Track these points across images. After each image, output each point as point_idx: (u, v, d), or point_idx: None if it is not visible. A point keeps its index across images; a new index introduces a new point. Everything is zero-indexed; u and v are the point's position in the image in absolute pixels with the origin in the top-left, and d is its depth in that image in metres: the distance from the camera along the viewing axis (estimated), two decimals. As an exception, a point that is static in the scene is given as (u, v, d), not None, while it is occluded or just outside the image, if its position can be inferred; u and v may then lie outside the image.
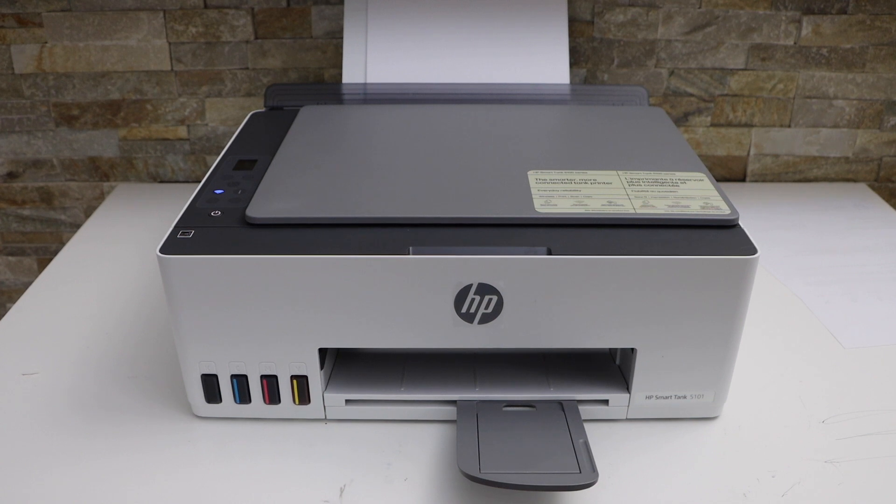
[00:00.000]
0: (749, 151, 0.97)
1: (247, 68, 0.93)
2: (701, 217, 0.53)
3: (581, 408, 0.56)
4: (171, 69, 0.92)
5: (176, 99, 0.94)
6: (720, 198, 0.55)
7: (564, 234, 0.52)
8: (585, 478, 0.48)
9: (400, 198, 0.55)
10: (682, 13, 0.89)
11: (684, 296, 0.51)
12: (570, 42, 0.88)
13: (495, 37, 0.82)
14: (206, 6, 0.89)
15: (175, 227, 0.53)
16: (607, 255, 0.50)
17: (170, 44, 0.91)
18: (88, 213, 1.01)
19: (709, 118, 0.95)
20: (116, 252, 0.82)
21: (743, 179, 0.99)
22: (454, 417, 0.56)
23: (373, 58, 0.82)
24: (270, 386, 0.55)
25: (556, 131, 0.69)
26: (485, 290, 0.51)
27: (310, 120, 0.70)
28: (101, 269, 0.78)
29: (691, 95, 0.94)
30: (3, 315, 0.71)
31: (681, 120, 0.95)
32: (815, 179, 0.99)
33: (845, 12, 0.89)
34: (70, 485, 0.52)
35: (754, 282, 0.51)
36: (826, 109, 0.95)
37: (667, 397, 0.56)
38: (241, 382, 0.55)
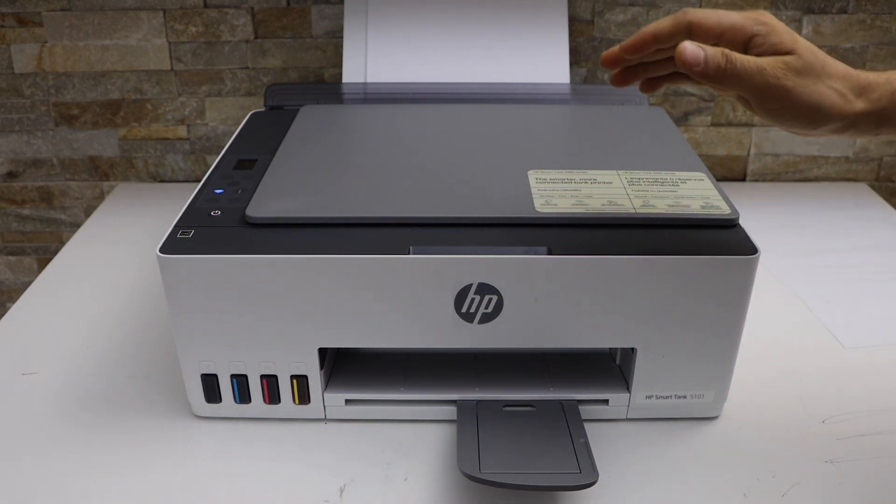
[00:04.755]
0: (749, 151, 0.97)
1: (247, 68, 0.92)
2: (701, 217, 0.53)
3: (581, 408, 0.56)
4: (171, 69, 0.92)
5: (176, 98, 0.94)
6: (720, 197, 0.55)
7: (564, 233, 0.52)
8: (585, 478, 0.48)
9: (400, 197, 0.55)
10: (682, 13, 0.89)
11: (684, 295, 0.51)
12: (570, 42, 0.88)
13: (495, 37, 0.82)
14: (206, 6, 0.89)
15: (175, 226, 0.53)
16: (607, 255, 0.50)
17: (170, 43, 0.91)
18: (88, 212, 1.01)
19: (709, 118, 0.95)
20: (116, 252, 0.81)
21: (743, 179, 0.99)
22: (454, 417, 0.56)
23: (373, 57, 0.82)
24: (270, 386, 0.55)
25: (556, 131, 0.69)
26: (485, 289, 0.51)
27: (310, 120, 0.70)
28: (101, 269, 0.78)
29: (691, 95, 0.94)
30: (3, 315, 0.71)
31: (681, 119, 0.95)
32: (816, 179, 0.99)
33: (846, 12, 0.89)
34: (69, 484, 0.52)
35: (754, 282, 0.51)
36: (826, 109, 0.94)
37: (667, 397, 0.56)
38: (241, 382, 0.55)
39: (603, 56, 0.47)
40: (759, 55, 0.44)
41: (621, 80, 0.50)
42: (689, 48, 0.43)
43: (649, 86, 0.51)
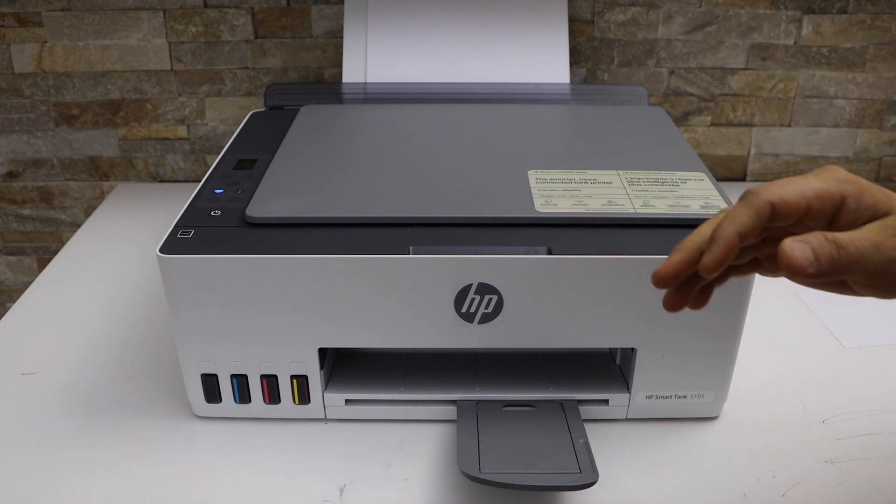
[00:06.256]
0: (749, 151, 0.97)
1: (247, 68, 0.92)
2: (701, 217, 0.53)
3: (581, 408, 0.56)
4: (171, 69, 0.92)
5: (176, 98, 0.94)
6: (720, 197, 0.55)
7: (564, 233, 0.52)
8: (585, 478, 0.48)
9: (400, 198, 0.55)
10: (682, 13, 0.89)
11: (684, 296, 0.51)
12: (570, 42, 0.88)
13: (495, 37, 0.82)
14: (206, 5, 0.89)
15: (175, 226, 0.53)
16: (607, 255, 0.50)
17: (170, 43, 0.91)
18: (88, 212, 1.01)
19: (709, 118, 0.95)
20: (116, 252, 0.81)
21: (743, 179, 0.99)
22: (454, 417, 0.56)
23: (373, 57, 0.82)
24: (270, 386, 0.55)
25: (556, 131, 0.69)
26: (485, 289, 0.51)
27: (310, 119, 0.70)
28: (101, 269, 0.78)
29: (692, 95, 0.94)
30: (3, 315, 0.71)
31: (681, 119, 0.95)
32: (816, 179, 0.99)
33: (846, 12, 0.89)
34: (70, 484, 0.52)
35: (754, 282, 0.51)
36: (826, 109, 0.95)
37: (667, 397, 0.56)
38: (241, 382, 0.55)
39: (663, 272, 0.38)
40: (853, 222, 0.36)
41: (679, 302, 0.39)
42: (797, 249, 0.34)
43: (702, 300, 0.40)
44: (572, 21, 0.89)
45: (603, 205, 0.54)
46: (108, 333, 0.68)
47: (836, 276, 0.35)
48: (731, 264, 0.39)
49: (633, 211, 0.53)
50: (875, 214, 0.36)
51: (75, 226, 1.02)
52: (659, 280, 0.38)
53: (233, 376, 0.55)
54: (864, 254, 0.35)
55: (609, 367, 0.59)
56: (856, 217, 0.36)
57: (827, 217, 0.37)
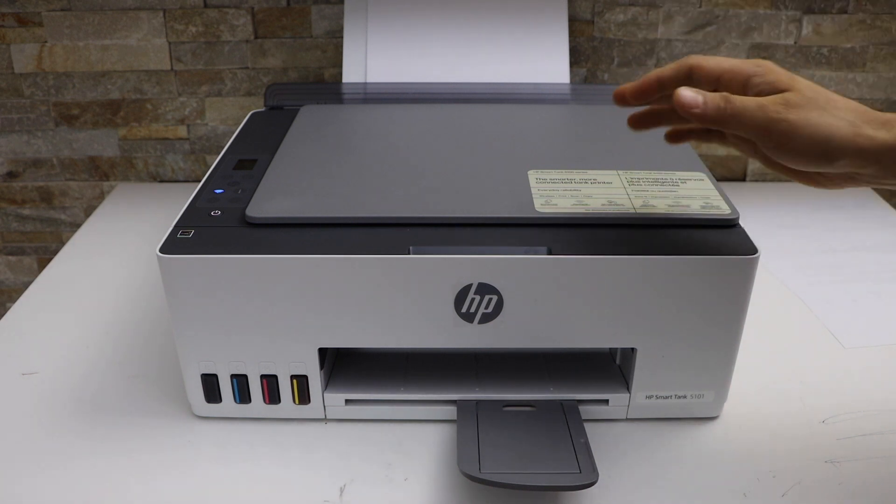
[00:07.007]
0: (749, 151, 0.97)
1: (247, 68, 0.92)
2: (701, 217, 0.53)
3: (581, 408, 0.56)
4: (171, 68, 0.92)
5: (176, 98, 0.94)
6: (720, 197, 0.55)
7: (564, 233, 0.52)
8: (585, 478, 0.48)
9: (400, 197, 0.55)
10: (682, 13, 0.89)
11: (684, 295, 0.51)
12: (570, 41, 0.88)
13: (495, 37, 0.82)
14: (206, 5, 0.89)
15: (175, 226, 0.53)
16: (607, 255, 0.50)
17: (170, 43, 0.91)
18: (88, 212, 1.01)
19: (709, 118, 0.95)
20: (116, 252, 0.81)
21: (743, 179, 0.99)
22: (454, 417, 0.56)
23: (373, 57, 0.82)
24: (270, 386, 0.55)
25: (556, 131, 0.69)
26: (485, 289, 0.51)
27: (310, 119, 0.70)
28: (101, 269, 0.78)
29: (691, 95, 0.94)
30: (3, 315, 0.71)
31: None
32: (816, 179, 0.99)
33: (846, 12, 0.89)
34: (70, 484, 0.52)
35: (754, 282, 0.51)
36: (826, 109, 0.94)
37: (667, 397, 0.56)
38: (241, 382, 0.55)
39: (615, 92, 0.49)
40: (757, 95, 0.44)
41: (636, 123, 0.52)
42: (685, 92, 0.44)
43: (675, 138, 0.52)
44: (572, 21, 0.89)
45: (603, 205, 0.54)
46: (108, 333, 0.68)
47: (723, 122, 0.43)
48: (691, 128, 0.51)
49: (633, 211, 0.53)
50: (775, 90, 0.44)
51: (75, 226, 1.02)
52: (614, 96, 0.49)
53: (233, 376, 0.55)
54: (747, 109, 0.43)
55: (609, 367, 0.59)
56: (759, 91, 0.44)
57: (736, 89, 0.45)
